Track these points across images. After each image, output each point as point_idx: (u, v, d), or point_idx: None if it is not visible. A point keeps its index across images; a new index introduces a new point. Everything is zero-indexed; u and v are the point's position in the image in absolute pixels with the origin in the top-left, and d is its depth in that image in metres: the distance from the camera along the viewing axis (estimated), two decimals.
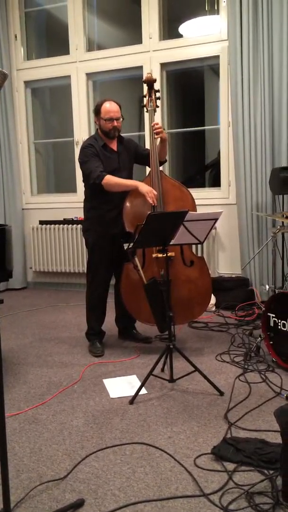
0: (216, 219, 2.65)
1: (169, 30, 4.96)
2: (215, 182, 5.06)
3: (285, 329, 2.81)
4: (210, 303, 3.95)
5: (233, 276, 4.56)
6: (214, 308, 4.30)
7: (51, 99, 6.00)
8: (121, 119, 3.17)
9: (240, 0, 4.14)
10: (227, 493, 1.73)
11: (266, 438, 2.07)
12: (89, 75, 5.14)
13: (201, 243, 2.77)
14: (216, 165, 5.06)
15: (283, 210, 4.13)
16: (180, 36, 4.95)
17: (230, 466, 1.89)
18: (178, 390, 2.64)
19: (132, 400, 2.51)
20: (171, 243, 2.64)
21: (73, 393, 2.66)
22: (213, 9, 4.70)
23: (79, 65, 5.12)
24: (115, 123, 3.14)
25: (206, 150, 6.41)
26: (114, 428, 2.24)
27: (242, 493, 1.71)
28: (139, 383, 2.67)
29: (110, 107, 3.13)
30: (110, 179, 3.06)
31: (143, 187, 3.06)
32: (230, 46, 4.28)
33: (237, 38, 4.20)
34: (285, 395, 2.47)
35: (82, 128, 5.19)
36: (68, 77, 5.18)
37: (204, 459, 1.96)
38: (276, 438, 2.04)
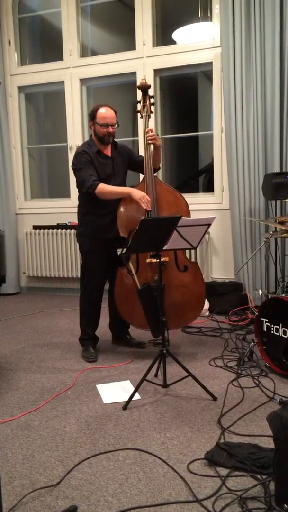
0: (209, 225, 2.66)
1: (163, 36, 4.99)
2: (209, 187, 5.08)
3: (278, 334, 2.82)
4: (203, 308, 3.96)
5: (227, 281, 4.57)
6: (207, 313, 4.31)
7: (45, 104, 6.01)
8: (116, 125, 3.18)
9: (233, 7, 4.18)
10: (220, 498, 1.73)
11: (259, 443, 2.07)
12: (82, 81, 5.15)
13: (195, 248, 2.77)
14: (209, 170, 5.08)
15: (275, 216, 4.15)
16: (173, 42, 4.98)
17: (223, 471, 1.89)
18: (172, 395, 2.64)
19: (126, 405, 2.51)
20: (164, 248, 2.65)
21: (66, 399, 2.65)
22: (206, 16, 4.74)
23: (73, 71, 5.13)
24: (110, 129, 3.14)
25: (200, 155, 6.44)
26: (107, 434, 2.24)
27: (235, 499, 1.71)
28: (132, 389, 2.66)
29: (105, 112, 3.14)
30: (103, 188, 3.07)
31: (136, 194, 3.06)
32: (223, 52, 4.32)
33: (230, 44, 4.23)
34: (278, 399, 2.47)
35: (75, 134, 5.20)
36: (62, 82, 5.19)
37: (197, 465, 1.95)
38: (269, 443, 2.04)
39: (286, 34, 4.05)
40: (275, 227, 3.55)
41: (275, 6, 4.02)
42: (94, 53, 5.24)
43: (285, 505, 1.60)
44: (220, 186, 4.67)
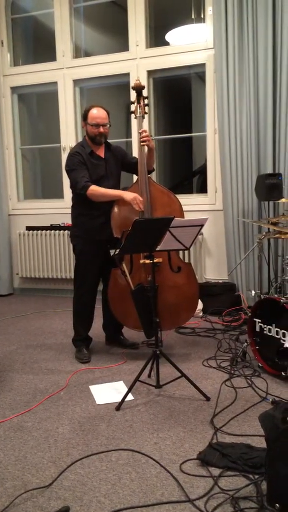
0: (201, 225, 2.67)
1: (156, 37, 5.00)
2: (203, 188, 5.09)
3: (270, 334, 2.83)
4: (197, 309, 3.97)
5: (220, 281, 4.58)
6: (201, 314, 4.31)
7: (38, 105, 6.00)
8: (108, 125, 3.18)
9: (226, 9, 4.19)
10: (213, 498, 1.73)
11: (252, 442, 2.08)
12: (76, 82, 5.15)
13: (188, 249, 2.78)
14: (203, 171, 5.09)
15: (268, 216, 4.17)
16: (166, 43, 4.99)
17: (216, 471, 1.89)
18: (165, 396, 2.64)
19: (119, 406, 2.51)
20: (157, 249, 2.66)
21: (59, 400, 2.65)
22: (199, 17, 4.75)
23: (66, 72, 5.13)
24: (101, 129, 3.14)
25: (194, 156, 6.46)
26: (100, 435, 2.24)
27: (227, 498, 1.71)
28: (125, 389, 2.66)
29: (97, 113, 3.14)
30: (95, 190, 3.07)
31: (128, 196, 3.07)
32: (216, 54, 4.33)
33: (223, 46, 4.24)
34: (270, 399, 2.49)
35: (69, 134, 5.19)
36: (55, 83, 5.18)
37: (190, 465, 1.96)
38: (261, 443, 2.05)
39: (278, 36, 4.06)
40: (268, 228, 3.57)
41: (268, 8, 4.04)
42: (87, 54, 5.24)
43: (276, 504, 1.61)
44: (213, 187, 4.68)
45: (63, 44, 5.11)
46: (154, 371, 2.73)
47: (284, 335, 2.72)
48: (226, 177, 4.40)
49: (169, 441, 2.15)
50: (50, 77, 5.20)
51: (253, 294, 3.72)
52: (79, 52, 5.24)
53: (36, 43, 5.82)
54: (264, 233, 3.58)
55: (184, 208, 3.27)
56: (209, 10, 4.49)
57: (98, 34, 5.72)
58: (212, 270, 4.76)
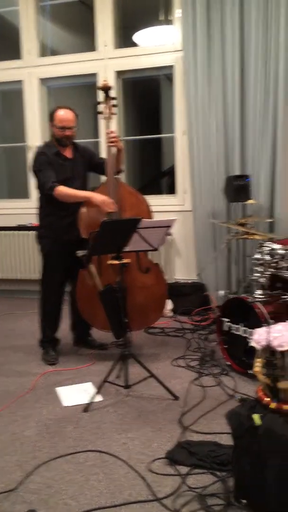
0: (169, 226, 2.68)
1: (124, 37, 4.99)
2: (172, 189, 5.12)
3: (238, 333, 2.87)
4: (167, 309, 3.98)
5: (189, 281, 4.61)
6: (171, 314, 4.33)
7: (3, 103, 5.89)
8: (74, 128, 3.15)
9: (194, 11, 4.22)
10: (180, 496, 1.74)
11: (220, 440, 2.09)
12: (42, 81, 5.08)
13: (156, 249, 2.78)
14: (172, 172, 5.12)
15: (237, 218, 4.21)
16: (134, 44, 4.98)
17: (184, 469, 1.90)
18: (134, 396, 2.63)
19: (87, 407, 2.48)
20: (126, 250, 2.65)
21: (25, 403, 2.60)
22: (168, 19, 4.78)
23: (32, 70, 5.04)
24: (67, 132, 3.11)
25: (163, 157, 6.49)
26: (67, 437, 2.21)
27: (194, 496, 1.72)
28: (94, 391, 2.64)
29: (64, 115, 3.10)
30: (62, 191, 3.03)
31: (97, 198, 3.05)
32: (184, 56, 4.35)
33: (191, 48, 4.27)
34: (238, 397, 2.51)
35: (35, 134, 5.11)
36: (21, 81, 5.10)
37: (158, 464, 1.96)
38: (229, 440, 2.06)
39: (245, 39, 4.12)
40: (237, 229, 3.61)
41: (235, 11, 4.09)
42: (54, 53, 5.17)
43: (243, 500, 1.63)
44: (182, 188, 4.71)
45: (29, 42, 5.02)
46: (123, 372, 2.72)
47: (251, 334, 2.76)
48: (194, 178, 4.43)
49: (137, 441, 2.15)
50: (15, 75, 5.09)
51: (221, 294, 3.75)
52: (45, 50, 5.16)
53: (0, 40, 5.71)
54: (232, 234, 3.63)
55: (153, 209, 3.27)
56: (177, 12, 4.51)
57: (65, 33, 5.66)
58: (181, 271, 4.79)
